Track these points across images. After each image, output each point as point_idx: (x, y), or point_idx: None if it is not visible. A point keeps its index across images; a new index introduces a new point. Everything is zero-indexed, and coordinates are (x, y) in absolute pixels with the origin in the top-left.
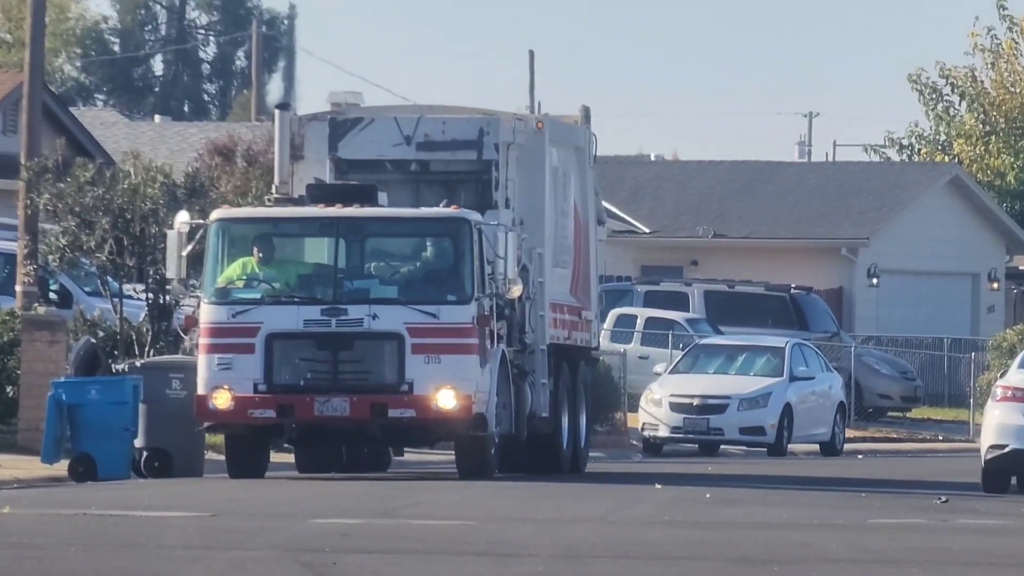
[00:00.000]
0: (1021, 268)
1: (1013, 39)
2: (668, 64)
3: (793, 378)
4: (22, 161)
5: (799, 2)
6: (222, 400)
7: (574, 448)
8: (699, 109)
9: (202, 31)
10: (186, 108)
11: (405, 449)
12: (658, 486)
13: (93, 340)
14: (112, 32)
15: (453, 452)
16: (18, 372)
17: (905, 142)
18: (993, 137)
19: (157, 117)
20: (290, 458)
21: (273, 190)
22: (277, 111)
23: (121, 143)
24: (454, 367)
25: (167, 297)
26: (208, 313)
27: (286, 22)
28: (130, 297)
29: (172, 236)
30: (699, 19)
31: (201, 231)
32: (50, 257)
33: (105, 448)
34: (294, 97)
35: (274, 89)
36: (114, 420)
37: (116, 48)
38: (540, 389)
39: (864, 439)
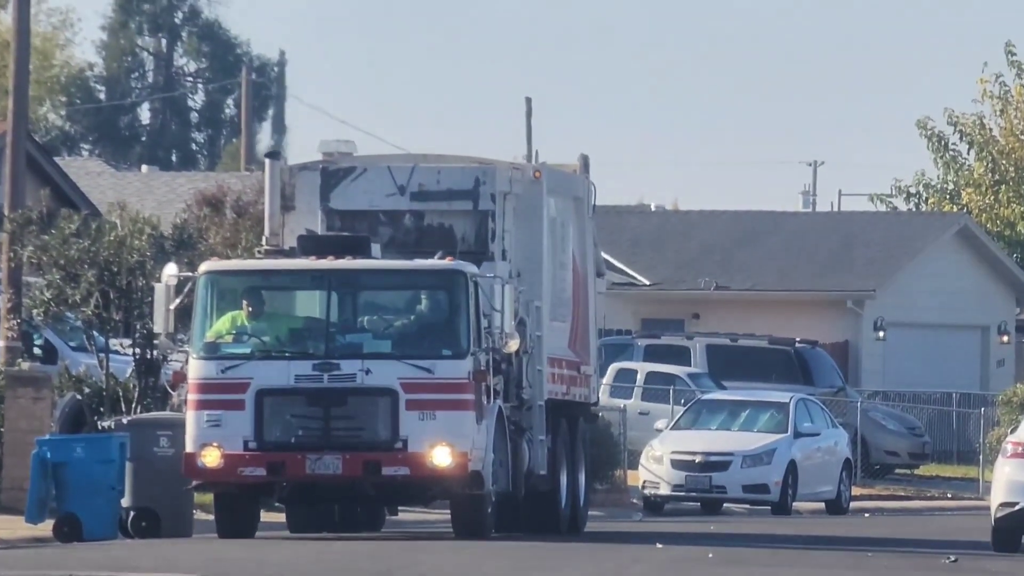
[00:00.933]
0: None
1: (1022, 85)
2: (669, 112)
3: (798, 434)
4: (5, 212)
5: (802, 49)
6: (211, 458)
7: (573, 507)
8: (701, 158)
9: (190, 78)
10: (174, 157)
11: (399, 508)
12: (659, 546)
13: (79, 396)
14: (98, 80)
15: (449, 511)
16: (1, 429)
17: (912, 190)
18: (1003, 186)
19: (144, 167)
20: (281, 517)
21: (263, 241)
22: (267, 160)
23: (107, 194)
24: (449, 424)
25: (155, 352)
26: (197, 368)
27: (276, 69)
28: (117, 352)
29: (160, 289)
30: (700, 67)
31: (189, 284)
32: (34, 311)
33: (91, 507)
34: (285, 146)
35: (264, 138)
36: (100, 479)
37: (102, 96)
38: (538, 446)
39: (871, 497)
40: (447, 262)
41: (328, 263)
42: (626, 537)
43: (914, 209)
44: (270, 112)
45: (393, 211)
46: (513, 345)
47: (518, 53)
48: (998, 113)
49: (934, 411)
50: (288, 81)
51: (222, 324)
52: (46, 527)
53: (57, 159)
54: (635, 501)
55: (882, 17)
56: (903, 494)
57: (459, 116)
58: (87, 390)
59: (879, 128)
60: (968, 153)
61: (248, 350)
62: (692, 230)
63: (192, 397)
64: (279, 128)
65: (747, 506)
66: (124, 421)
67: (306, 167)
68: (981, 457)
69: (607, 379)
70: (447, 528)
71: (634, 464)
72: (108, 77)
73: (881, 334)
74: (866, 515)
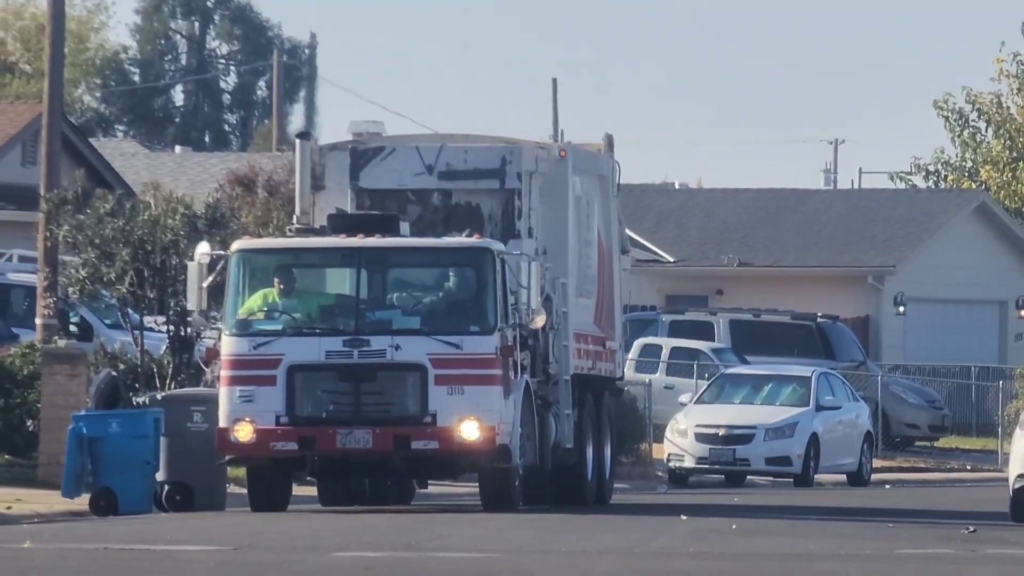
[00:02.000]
0: None
1: None
2: (693, 92)
3: (820, 408)
4: (41, 193)
5: (824, 30)
6: (244, 433)
7: (599, 479)
8: (724, 137)
9: (223, 61)
10: (207, 138)
11: (429, 481)
12: (684, 517)
13: (114, 373)
14: (132, 62)
15: (477, 484)
16: (38, 406)
17: (931, 168)
18: (1021, 163)
19: (178, 148)
20: (313, 491)
21: (294, 220)
22: (298, 140)
23: (141, 174)
24: (478, 398)
25: (188, 329)
26: (229, 345)
27: (307, 51)
28: (151, 329)
29: (193, 267)
30: (724, 47)
31: (222, 262)
32: (70, 289)
33: (126, 482)
34: (315, 127)
35: (295, 119)
36: (135, 453)
37: (136, 78)
38: (564, 420)
39: (892, 469)
40: (475, 240)
41: (358, 241)
42: (651, 509)
43: (933, 187)
44: (301, 94)
45: (421, 190)
46: (540, 321)
47: (544, 34)
48: (1015, 91)
49: (953, 384)
50: (319, 63)
51: (254, 301)
52: (82, 501)
53: (92, 140)
54: (660, 474)
55: None
56: (923, 466)
57: (486, 97)
58: (122, 367)
59: (899, 107)
60: (986, 131)
61: (280, 327)
62: (715, 208)
63: (225, 373)
64: (310, 109)
65: (770, 478)
66: (158, 397)
67: (336, 147)
68: (1000, 429)
69: (632, 354)
70: (475, 501)
71: (659, 437)
72: (142, 60)
73: (901, 309)
74: (887, 487)
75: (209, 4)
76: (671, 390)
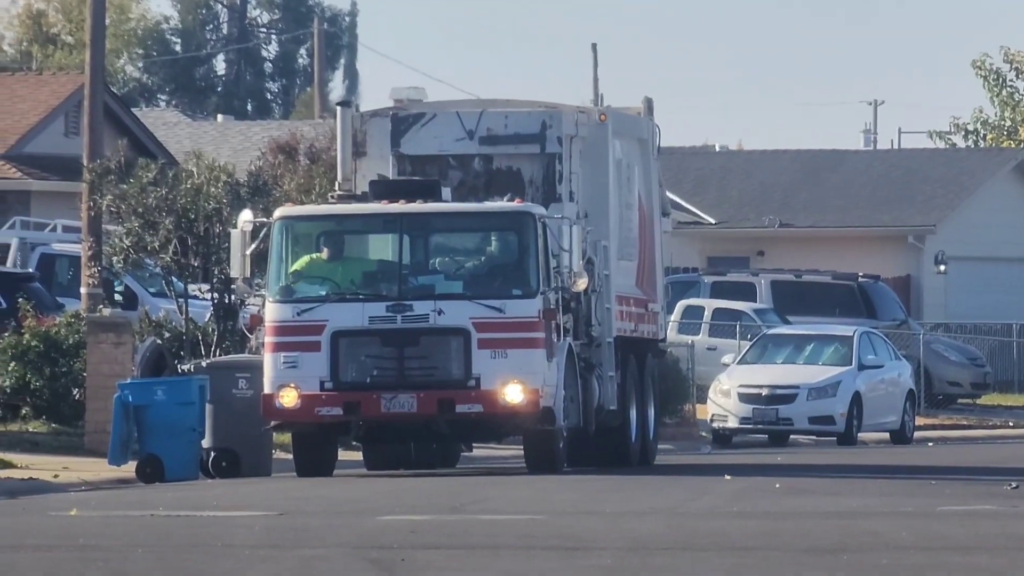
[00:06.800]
0: None
1: None
2: (732, 54)
3: (862, 367)
4: (84, 163)
5: None
6: (289, 399)
7: (643, 441)
8: (763, 99)
9: (264, 29)
10: (249, 107)
11: (473, 444)
12: (727, 477)
13: (159, 341)
14: (173, 32)
15: (522, 446)
16: (84, 374)
17: (970, 128)
18: None
19: (219, 116)
20: (359, 456)
21: (336, 187)
22: (339, 108)
23: (184, 143)
24: (521, 361)
25: (232, 297)
26: (273, 312)
27: (348, 19)
28: (195, 297)
29: (236, 235)
30: (764, 7)
31: (265, 229)
32: (114, 258)
33: (172, 449)
34: (357, 94)
35: (336, 86)
36: (181, 421)
37: (178, 48)
38: (607, 382)
39: (934, 427)
40: (516, 204)
41: (399, 207)
42: (695, 469)
43: (972, 146)
44: (342, 61)
45: (462, 155)
46: (582, 284)
47: None
48: None
49: (995, 342)
50: (359, 31)
51: (297, 268)
52: (129, 469)
53: (135, 110)
54: (704, 434)
55: None
56: (965, 423)
57: (526, 62)
58: (167, 335)
59: (937, 67)
60: None
61: (323, 293)
62: (755, 169)
63: (269, 340)
64: (351, 76)
65: (813, 437)
66: (203, 364)
67: (377, 114)
68: None
69: (675, 316)
70: (520, 463)
71: (703, 398)
72: (183, 29)
73: (942, 268)
74: (929, 444)
75: None
76: (714, 351)
